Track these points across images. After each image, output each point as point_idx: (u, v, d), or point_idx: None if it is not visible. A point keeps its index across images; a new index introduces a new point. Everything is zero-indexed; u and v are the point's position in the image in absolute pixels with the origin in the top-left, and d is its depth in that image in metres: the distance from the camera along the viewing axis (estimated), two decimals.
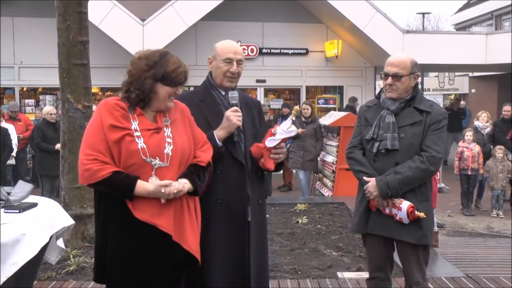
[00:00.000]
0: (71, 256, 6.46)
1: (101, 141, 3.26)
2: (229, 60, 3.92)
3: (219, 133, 3.81)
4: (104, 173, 3.21)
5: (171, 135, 3.42)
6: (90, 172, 3.22)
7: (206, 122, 3.85)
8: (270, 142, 3.84)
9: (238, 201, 3.90)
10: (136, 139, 3.28)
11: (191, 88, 4.26)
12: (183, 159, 3.44)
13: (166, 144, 3.37)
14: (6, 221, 3.76)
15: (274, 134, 3.85)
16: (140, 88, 3.35)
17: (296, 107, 4.23)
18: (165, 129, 3.43)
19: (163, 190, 3.26)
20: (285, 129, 3.84)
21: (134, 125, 3.33)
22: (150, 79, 3.36)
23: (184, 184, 3.37)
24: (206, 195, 3.71)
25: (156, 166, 3.32)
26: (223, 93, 4.01)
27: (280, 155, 3.93)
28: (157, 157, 3.31)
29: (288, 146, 12.58)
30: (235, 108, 3.86)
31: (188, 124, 3.59)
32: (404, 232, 4.24)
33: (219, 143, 3.80)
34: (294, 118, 4.01)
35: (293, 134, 3.91)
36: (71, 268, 6.22)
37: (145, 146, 3.29)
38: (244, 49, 18.06)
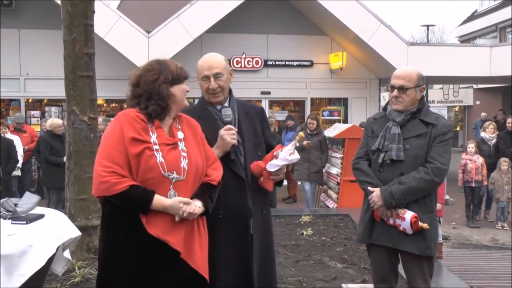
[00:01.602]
0: (76, 268, 6.45)
1: (120, 153, 3.24)
2: (205, 78, 3.91)
3: (215, 152, 3.78)
4: (122, 187, 3.19)
5: (185, 149, 3.43)
6: (108, 185, 3.19)
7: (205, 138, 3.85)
8: (271, 166, 3.86)
9: (239, 215, 3.88)
10: (155, 153, 3.28)
11: (197, 100, 4.25)
12: (197, 173, 3.45)
13: (182, 158, 3.37)
14: (13, 232, 3.78)
15: (276, 157, 3.86)
16: (160, 98, 3.37)
17: (301, 134, 4.21)
18: (179, 143, 3.44)
19: (181, 205, 3.27)
20: (288, 155, 3.84)
21: (153, 138, 3.33)
22: (164, 85, 3.39)
23: (199, 209, 3.38)
24: None
25: (174, 180, 3.32)
26: (218, 107, 3.99)
27: (280, 176, 3.95)
28: (174, 171, 3.32)
29: None
30: (228, 126, 3.84)
31: (200, 140, 3.60)
32: (408, 242, 4.26)
33: None
34: (297, 144, 4.00)
35: (294, 161, 3.92)
36: (76, 280, 6.20)
37: (163, 160, 3.28)
38: (249, 61, 18.12)
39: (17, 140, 12.50)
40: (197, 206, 3.37)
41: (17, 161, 12.01)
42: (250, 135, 4.01)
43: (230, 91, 4.09)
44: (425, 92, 19.72)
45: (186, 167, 3.37)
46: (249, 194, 3.91)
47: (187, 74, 3.54)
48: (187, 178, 3.37)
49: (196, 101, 4.29)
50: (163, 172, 3.28)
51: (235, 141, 3.82)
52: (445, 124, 4.35)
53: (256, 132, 4.08)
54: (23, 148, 13.18)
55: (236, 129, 3.88)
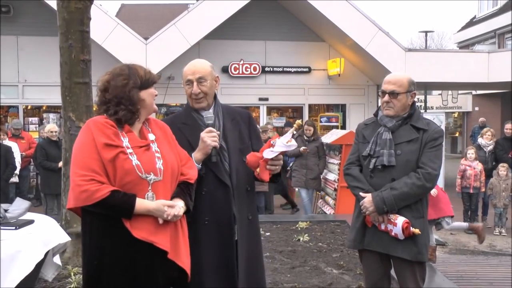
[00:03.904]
0: (72, 274, 6.43)
1: (96, 161, 3.21)
2: (188, 82, 3.90)
3: (196, 155, 3.78)
4: (103, 193, 3.15)
5: (158, 150, 3.43)
6: (88, 193, 3.15)
7: (188, 144, 3.82)
8: (268, 153, 3.77)
9: (224, 221, 3.86)
10: (130, 157, 3.27)
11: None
12: (173, 173, 3.45)
13: (156, 159, 3.37)
14: (2, 237, 3.78)
15: (273, 146, 3.78)
16: (130, 103, 3.36)
17: (298, 121, 4.17)
18: (151, 144, 3.44)
19: (166, 209, 3.26)
20: (285, 142, 3.76)
21: (125, 142, 3.31)
22: (134, 90, 3.38)
23: (182, 209, 3.39)
24: (193, 217, 3.70)
25: (152, 182, 3.31)
26: (203, 113, 3.96)
27: (277, 167, 3.84)
28: (151, 173, 3.31)
29: (291, 164, 12.59)
30: (209, 129, 3.81)
31: (171, 141, 3.61)
32: (400, 248, 4.27)
33: (198, 166, 3.77)
34: (295, 132, 3.97)
35: (292, 148, 3.82)
36: (72, 286, 6.17)
37: (139, 162, 3.28)
38: (246, 67, 18.14)
39: (15, 147, 12.49)
40: (180, 207, 3.38)
41: (15, 168, 12.01)
42: (235, 141, 3.99)
43: (215, 97, 4.07)
44: (423, 98, 19.52)
45: (162, 168, 3.37)
46: (233, 200, 3.89)
47: (155, 79, 3.53)
48: (164, 178, 3.37)
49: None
50: (140, 174, 3.27)
51: (215, 144, 3.79)
52: (436, 130, 4.36)
53: (242, 138, 4.05)
54: (21, 155, 13.18)
55: (219, 132, 3.86)
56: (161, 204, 3.27)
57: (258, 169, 3.84)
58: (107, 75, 3.46)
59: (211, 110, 3.96)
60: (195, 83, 3.89)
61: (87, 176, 3.17)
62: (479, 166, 12.40)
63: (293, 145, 3.80)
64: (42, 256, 4.03)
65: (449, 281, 6.93)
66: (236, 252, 3.88)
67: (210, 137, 3.78)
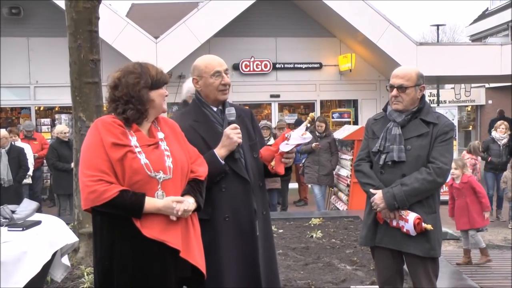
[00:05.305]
0: (85, 274, 6.43)
1: (104, 161, 3.19)
2: (218, 73, 3.87)
3: (220, 152, 3.75)
4: (111, 194, 3.14)
5: (168, 148, 3.40)
6: (97, 194, 3.14)
7: (203, 141, 3.80)
8: (284, 146, 3.81)
9: (245, 217, 3.85)
10: (138, 155, 3.24)
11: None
12: (183, 171, 3.42)
13: (166, 157, 3.34)
14: (8, 239, 3.78)
15: (287, 139, 3.81)
16: (140, 103, 3.33)
17: (312, 114, 4.18)
18: (160, 143, 3.41)
19: (174, 205, 3.24)
20: (300, 135, 3.80)
21: (133, 141, 3.29)
22: (144, 89, 3.34)
23: (192, 206, 3.37)
24: (213, 214, 3.70)
25: (161, 180, 3.29)
26: (215, 109, 3.95)
27: (290, 160, 3.88)
28: (160, 171, 3.29)
29: (303, 161, 12.57)
30: (234, 125, 3.80)
31: (180, 138, 3.57)
32: (412, 244, 4.23)
33: (222, 162, 3.76)
34: (308, 125, 3.97)
35: (307, 140, 3.89)
36: (85, 286, 6.17)
37: (148, 161, 3.25)
38: (257, 64, 18.12)
39: (27, 148, 12.55)
40: (190, 202, 3.35)
41: (28, 169, 12.06)
42: (245, 137, 3.95)
43: None
44: (436, 92, 19.39)
45: (172, 166, 3.34)
46: (253, 196, 3.89)
47: (166, 79, 3.50)
48: (174, 176, 3.34)
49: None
50: (149, 173, 3.25)
51: (240, 140, 3.79)
52: (447, 123, 4.31)
53: (250, 135, 4.04)
54: (34, 156, 13.24)
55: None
56: (169, 200, 3.25)
57: (272, 163, 3.87)
58: (118, 72, 3.42)
59: (232, 107, 3.94)
60: (224, 74, 3.90)
61: (95, 176, 3.16)
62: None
63: (308, 137, 3.87)
64: (49, 257, 4.02)
65: (463, 275, 6.88)
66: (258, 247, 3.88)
67: (235, 134, 3.76)
